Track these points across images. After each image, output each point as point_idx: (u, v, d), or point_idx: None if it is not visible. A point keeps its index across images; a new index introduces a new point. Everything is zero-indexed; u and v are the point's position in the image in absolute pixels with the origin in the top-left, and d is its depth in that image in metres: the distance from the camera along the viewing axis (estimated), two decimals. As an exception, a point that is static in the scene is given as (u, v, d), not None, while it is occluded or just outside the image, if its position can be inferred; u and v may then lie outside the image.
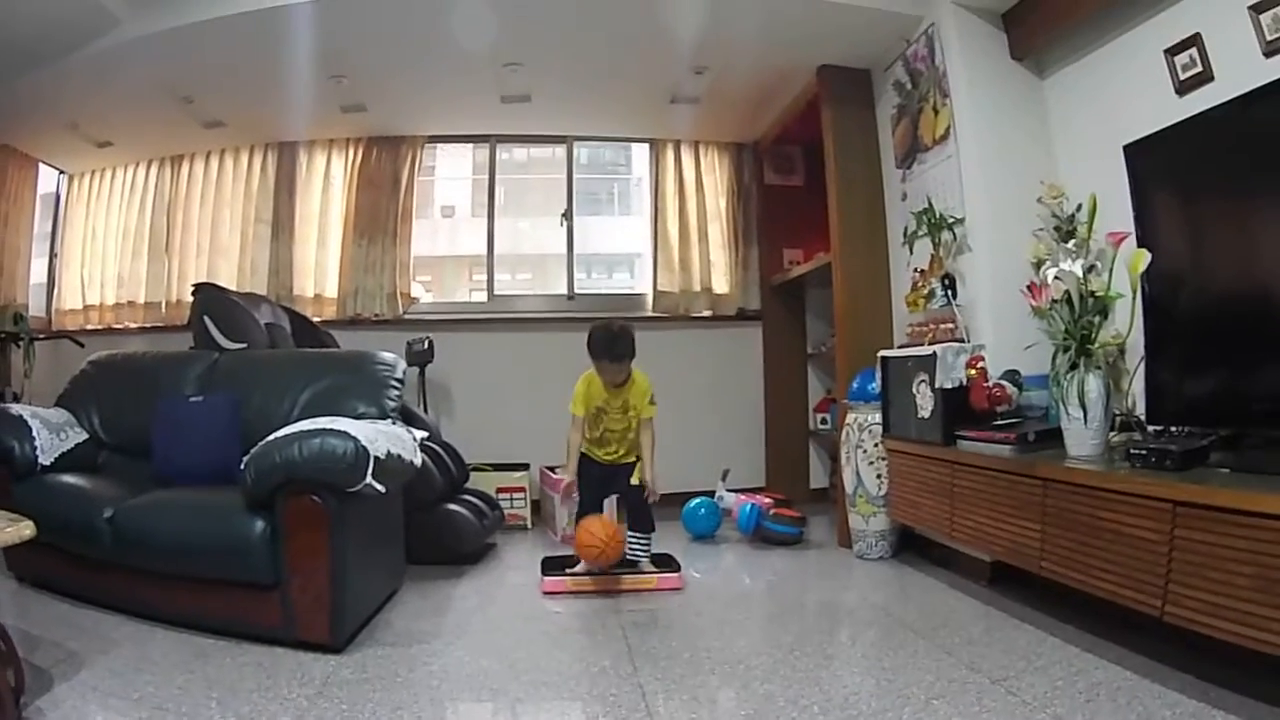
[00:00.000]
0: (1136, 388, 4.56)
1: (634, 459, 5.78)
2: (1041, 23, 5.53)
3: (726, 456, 7.85)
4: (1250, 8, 4.09)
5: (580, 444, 5.79)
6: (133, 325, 8.74)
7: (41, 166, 8.73)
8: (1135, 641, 3.97)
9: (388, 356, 5.77)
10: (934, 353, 5.19)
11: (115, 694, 3.70)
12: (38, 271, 8.93)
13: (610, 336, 5.60)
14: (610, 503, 6.09)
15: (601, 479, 5.82)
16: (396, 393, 5.55)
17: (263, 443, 4.32)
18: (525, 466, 7.75)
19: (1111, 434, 4.41)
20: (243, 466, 4.30)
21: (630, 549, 5.67)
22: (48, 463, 5.20)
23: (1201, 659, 3.61)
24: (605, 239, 13.47)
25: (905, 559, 5.99)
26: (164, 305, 8.69)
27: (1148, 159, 4.45)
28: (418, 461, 4.97)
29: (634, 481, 5.75)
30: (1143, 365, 4.38)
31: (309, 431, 4.24)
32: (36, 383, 7.66)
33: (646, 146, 9.09)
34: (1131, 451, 3.82)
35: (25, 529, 3.39)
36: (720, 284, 8.85)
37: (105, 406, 5.86)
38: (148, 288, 8.75)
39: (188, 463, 5.25)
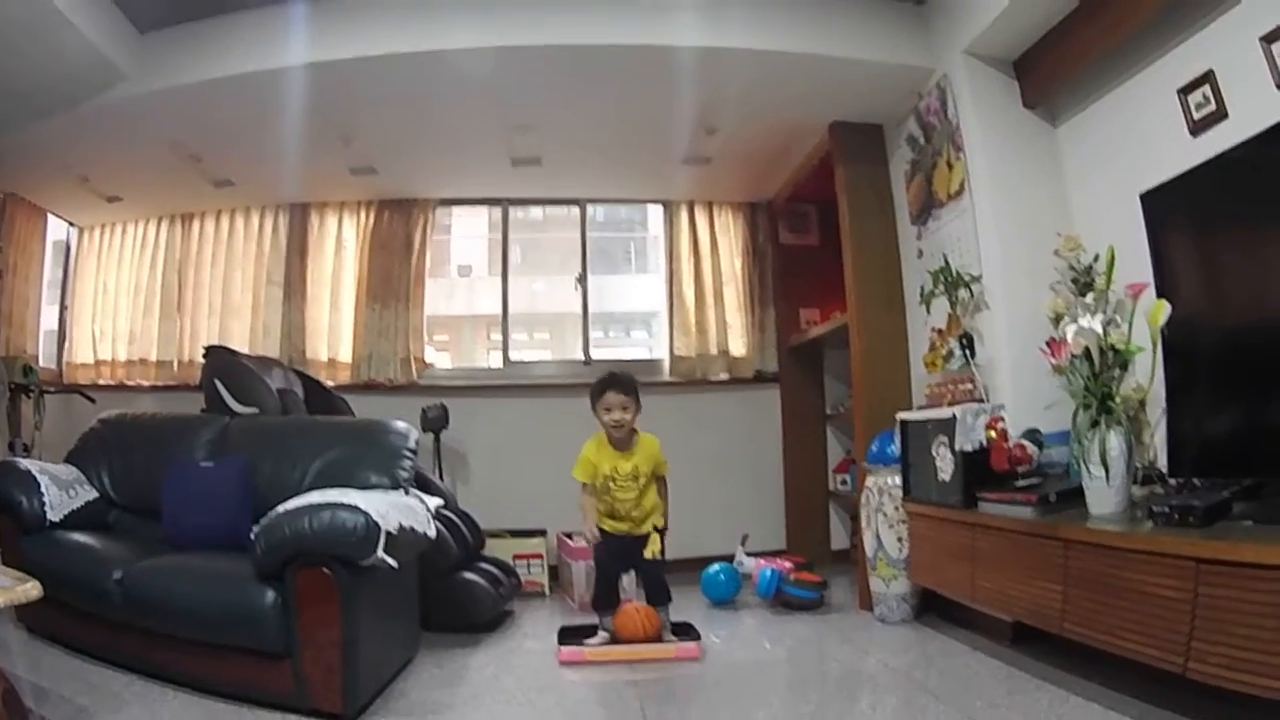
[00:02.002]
0: (1158, 439, 4.48)
1: (647, 531, 5.70)
2: (1052, 69, 5.50)
3: (746, 520, 7.80)
4: (1261, 39, 4.04)
5: (594, 505, 5.76)
6: (145, 383, 8.73)
7: (51, 217, 8.75)
8: (1158, 696, 3.89)
9: (401, 426, 5.72)
10: (953, 415, 5.12)
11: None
12: (49, 320, 8.96)
13: (610, 374, 5.71)
14: (628, 579, 6.04)
15: (617, 553, 5.74)
16: (409, 463, 5.49)
17: (272, 514, 4.30)
18: (542, 533, 7.67)
19: (1134, 487, 4.32)
20: (253, 537, 4.28)
21: (650, 622, 5.62)
22: (57, 519, 5.21)
23: (1226, 710, 3.51)
24: (622, 298, 13.44)
25: (927, 620, 5.89)
26: (176, 364, 8.68)
27: (1165, 206, 4.42)
28: (431, 532, 4.95)
29: (648, 555, 5.67)
30: (1164, 417, 4.32)
31: (319, 505, 4.21)
32: (47, 435, 7.61)
33: (660, 207, 9.05)
34: (1154, 509, 3.74)
35: (32, 589, 3.39)
36: (737, 347, 8.80)
37: (116, 466, 5.85)
38: (159, 346, 8.74)
39: (197, 527, 5.24)
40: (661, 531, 5.73)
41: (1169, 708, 3.80)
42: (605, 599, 5.71)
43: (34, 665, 4.67)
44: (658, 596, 5.69)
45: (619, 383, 5.65)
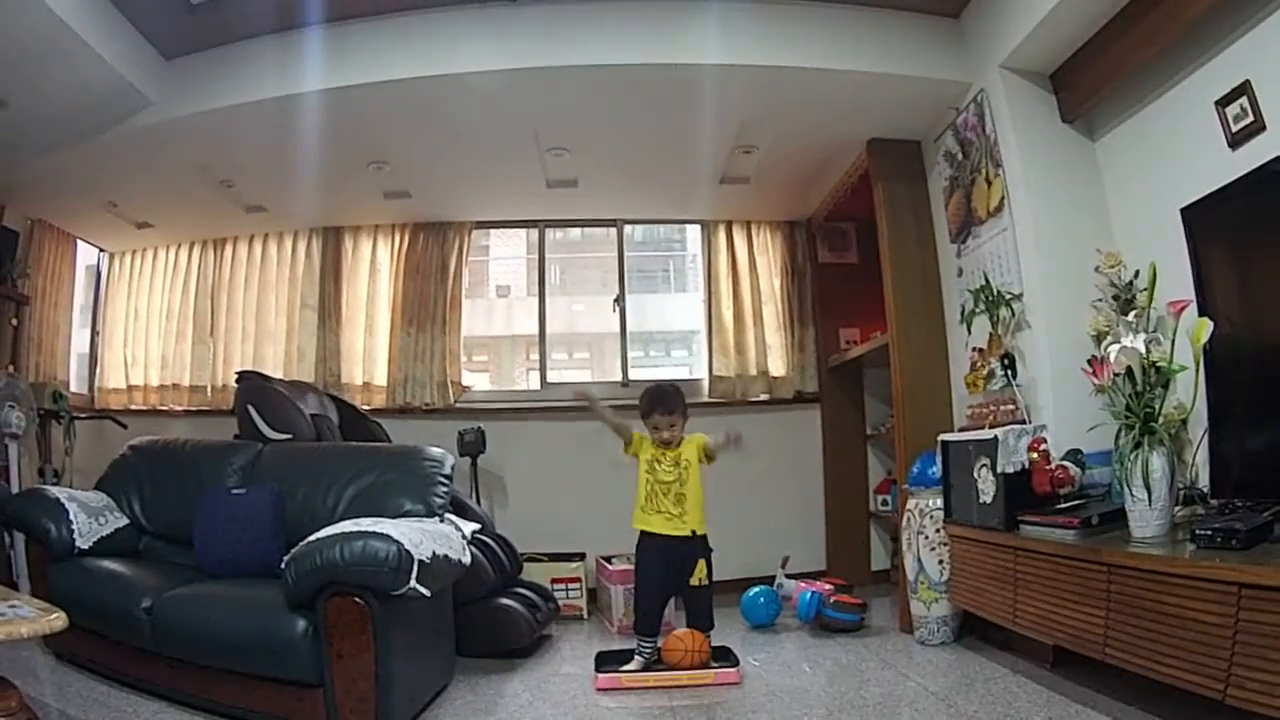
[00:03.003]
0: (1199, 458, 4.43)
1: (689, 533, 5.61)
2: (1089, 82, 5.43)
3: (787, 541, 7.76)
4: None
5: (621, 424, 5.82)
6: (177, 408, 8.80)
7: (80, 244, 8.88)
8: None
9: (436, 452, 5.69)
10: (995, 436, 5.05)
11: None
12: (80, 345, 9.08)
13: (658, 391, 5.73)
14: (669, 605, 6.00)
15: (662, 566, 5.66)
16: (445, 489, 5.45)
17: (304, 543, 4.27)
18: (581, 556, 7.61)
19: (1176, 508, 4.24)
20: (284, 566, 4.25)
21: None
22: (86, 546, 5.25)
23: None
24: (662, 317, 13.42)
25: (967, 643, 5.82)
26: (209, 389, 8.74)
27: (1206, 221, 4.38)
28: (466, 560, 4.89)
29: (694, 582, 5.61)
30: (1205, 436, 4.27)
31: (351, 534, 4.17)
32: (79, 460, 7.69)
33: (698, 227, 9.01)
34: (1197, 532, 3.67)
35: (57, 620, 3.39)
36: (777, 367, 8.73)
37: (147, 493, 5.88)
38: (192, 370, 8.81)
39: (229, 555, 5.23)
40: (707, 557, 5.67)
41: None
42: (646, 622, 5.63)
43: (62, 692, 4.69)
44: (701, 623, 5.62)
45: (663, 403, 5.65)
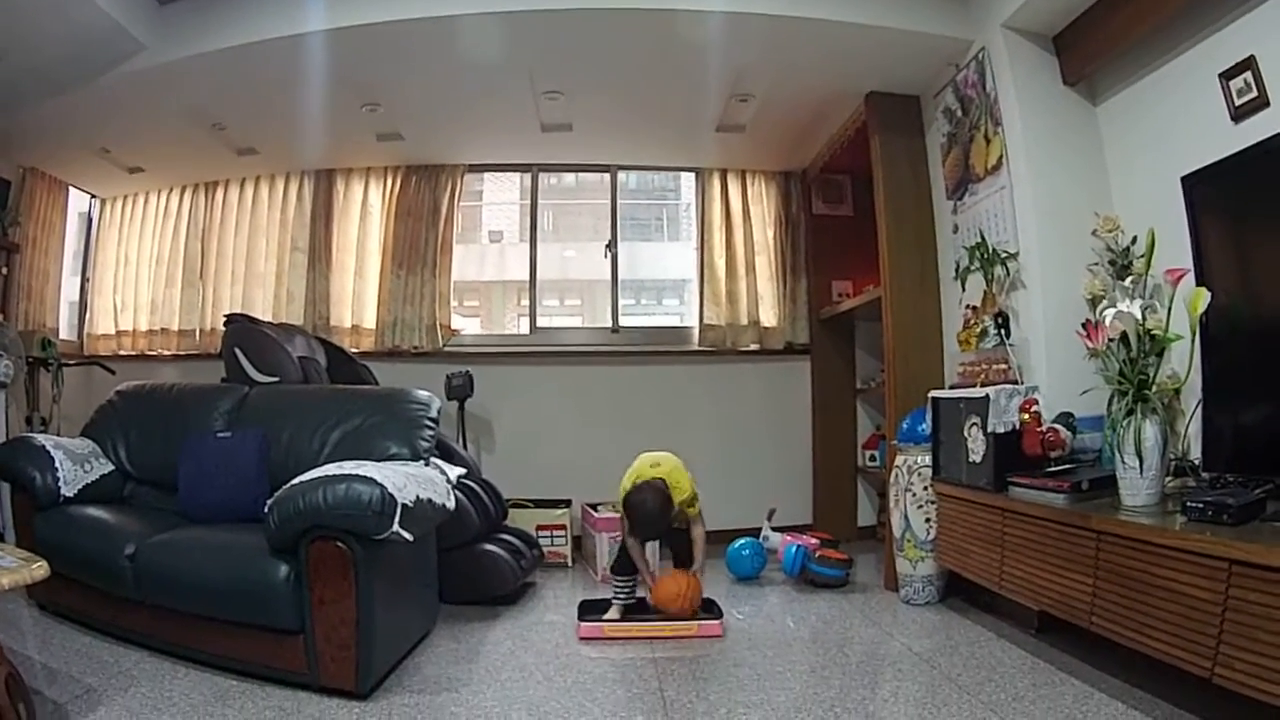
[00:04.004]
0: (1192, 430, 4.40)
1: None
2: (1093, 46, 5.37)
3: (773, 494, 7.74)
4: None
5: (640, 550, 5.69)
6: (166, 352, 8.79)
7: (72, 190, 8.83)
8: (1183, 698, 3.83)
9: (422, 395, 5.65)
10: (986, 395, 5.02)
11: (130, 735, 3.65)
12: (71, 292, 9.03)
13: (640, 516, 5.49)
14: (653, 546, 5.97)
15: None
16: (431, 433, 5.41)
17: (287, 487, 4.25)
18: (567, 503, 7.58)
19: (1167, 479, 4.23)
20: (266, 510, 4.23)
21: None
22: (71, 494, 5.23)
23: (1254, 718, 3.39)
24: (654, 265, 13.35)
25: (952, 604, 5.82)
26: (198, 333, 8.71)
27: (1206, 191, 4.34)
28: (451, 504, 4.84)
29: (677, 525, 5.63)
30: (1199, 408, 4.25)
31: (334, 477, 4.14)
32: (68, 407, 7.74)
33: (693, 176, 8.97)
34: (1188, 504, 3.64)
35: (38, 570, 3.34)
36: (768, 317, 8.70)
37: (132, 438, 5.85)
38: (181, 315, 8.77)
39: (214, 500, 5.22)
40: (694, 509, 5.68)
41: (1194, 711, 3.75)
42: (623, 562, 5.66)
43: (44, 644, 4.68)
44: (686, 563, 5.67)
45: (642, 532, 5.58)
